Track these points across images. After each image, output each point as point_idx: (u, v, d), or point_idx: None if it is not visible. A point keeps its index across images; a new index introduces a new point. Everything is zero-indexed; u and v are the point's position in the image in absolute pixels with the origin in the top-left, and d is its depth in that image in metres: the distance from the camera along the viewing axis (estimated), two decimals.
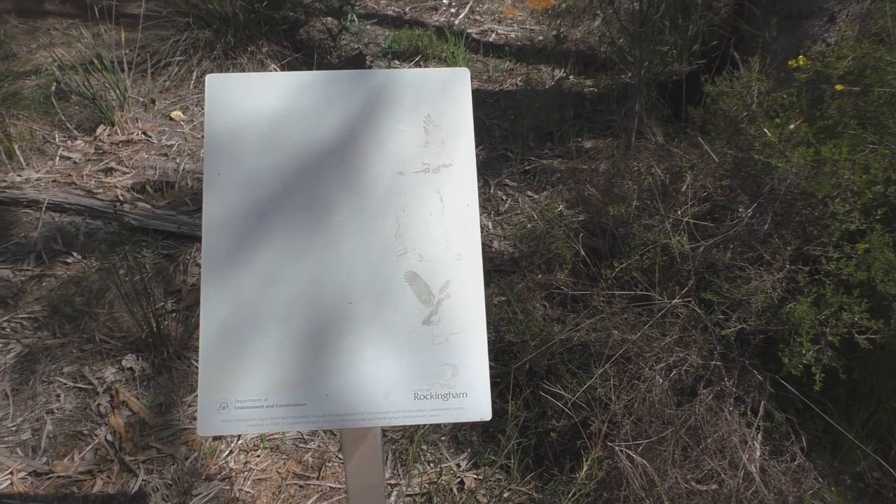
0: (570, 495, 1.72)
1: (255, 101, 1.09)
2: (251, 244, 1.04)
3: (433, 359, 1.03)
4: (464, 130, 1.11)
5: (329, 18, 4.14)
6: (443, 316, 1.04)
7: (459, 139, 1.10)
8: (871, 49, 2.04)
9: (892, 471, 1.72)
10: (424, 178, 1.08)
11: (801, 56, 2.21)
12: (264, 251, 1.04)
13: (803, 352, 1.62)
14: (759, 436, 1.76)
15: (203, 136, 1.16)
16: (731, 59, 2.72)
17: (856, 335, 1.61)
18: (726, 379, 1.79)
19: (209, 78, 1.09)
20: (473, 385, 1.03)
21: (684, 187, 1.96)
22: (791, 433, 1.78)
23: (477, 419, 1.02)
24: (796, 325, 1.63)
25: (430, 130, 1.10)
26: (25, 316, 2.35)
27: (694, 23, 2.93)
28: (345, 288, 1.04)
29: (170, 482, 1.95)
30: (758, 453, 1.74)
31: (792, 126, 1.88)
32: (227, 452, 2.05)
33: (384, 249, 1.05)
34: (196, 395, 2.17)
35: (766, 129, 1.87)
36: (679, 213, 1.94)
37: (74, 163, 3.15)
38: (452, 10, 4.69)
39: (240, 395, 1.00)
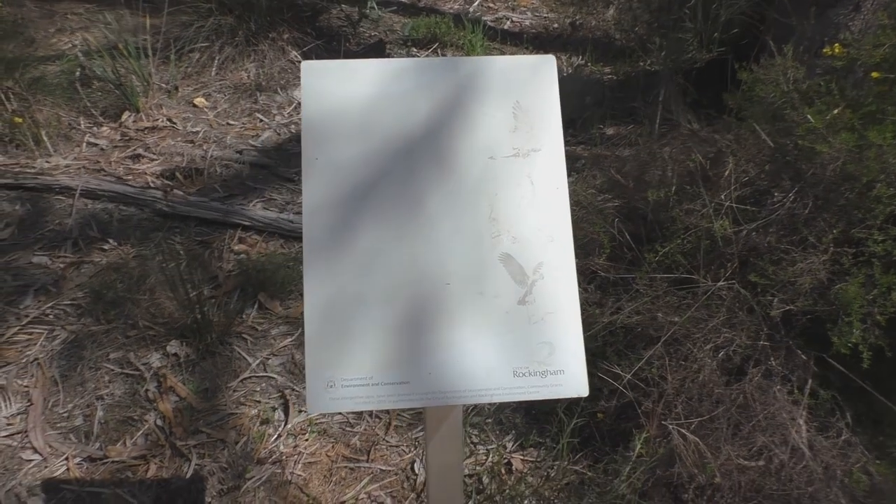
0: (625, 472, 1.77)
1: (348, 88, 1.11)
2: (350, 228, 1.07)
3: (530, 337, 1.06)
4: (551, 115, 1.14)
5: (347, 6, 4.15)
6: (537, 296, 1.08)
7: (547, 124, 1.13)
8: None
9: None
10: (515, 163, 1.11)
11: (836, 44, 2.24)
12: (363, 234, 1.07)
13: (853, 331, 1.67)
14: (805, 413, 1.81)
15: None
16: (761, 46, 2.75)
17: None
18: (773, 359, 1.83)
19: (304, 65, 1.12)
20: (570, 362, 1.06)
21: (727, 172, 2.00)
22: (836, 410, 1.83)
23: (574, 395, 1.06)
24: (846, 304, 1.67)
25: (519, 116, 1.13)
26: (69, 303, 2.37)
27: (722, 10, 2.96)
28: (442, 270, 1.07)
29: (224, 465, 1.99)
30: (804, 429, 1.79)
31: (836, 111, 1.91)
32: (275, 437, 2.08)
33: (478, 232, 1.08)
34: (241, 380, 2.22)
35: (808, 115, 1.90)
36: (722, 196, 1.98)
37: (101, 149, 3.16)
38: None
39: (346, 374, 1.03)
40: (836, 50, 2.20)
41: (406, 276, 1.06)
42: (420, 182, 1.09)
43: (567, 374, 1.06)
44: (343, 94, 1.11)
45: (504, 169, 1.11)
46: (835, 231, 1.81)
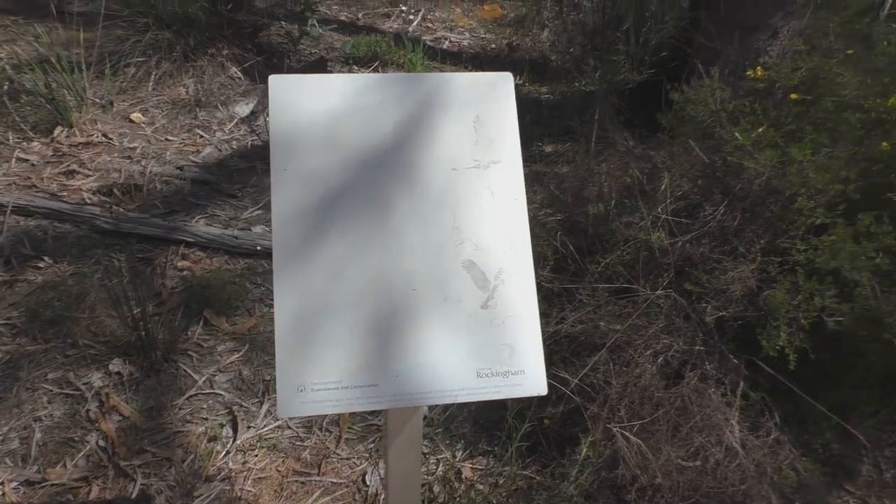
0: (573, 475, 1.83)
1: (316, 102, 1.15)
2: (319, 237, 1.10)
3: (492, 340, 1.11)
4: (509, 130, 1.20)
5: (288, 23, 4.16)
6: (499, 300, 1.13)
7: (506, 138, 1.19)
8: (822, 62, 2.25)
9: (861, 438, 1.91)
10: (476, 174, 1.17)
11: (758, 67, 2.41)
12: (332, 244, 1.10)
13: (780, 334, 1.79)
14: (737, 414, 1.92)
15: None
16: (690, 69, 2.92)
17: (825, 318, 1.79)
18: (708, 363, 1.94)
19: (272, 79, 1.15)
20: (529, 363, 1.12)
21: (663, 186, 2.11)
22: (766, 410, 1.95)
23: (535, 394, 1.11)
24: (773, 310, 1.79)
25: (479, 129, 1.19)
26: (2, 322, 2.29)
27: (652, 34, 3.12)
28: (408, 277, 1.11)
29: (172, 483, 1.95)
30: (737, 430, 1.90)
31: (760, 130, 2.06)
32: (223, 453, 2.06)
33: (443, 240, 1.13)
34: (187, 398, 2.19)
35: (736, 133, 2.04)
36: (658, 210, 2.09)
37: (32, 165, 3.07)
38: (406, 18, 4.77)
39: (316, 378, 1.06)
40: (759, 73, 2.37)
41: (373, 283, 1.10)
42: (387, 192, 1.13)
43: (527, 375, 1.11)
44: (311, 106, 1.15)
45: (466, 180, 1.16)
46: (762, 241, 1.94)
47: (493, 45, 4.57)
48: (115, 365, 2.22)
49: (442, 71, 4.20)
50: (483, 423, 2.20)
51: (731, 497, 1.84)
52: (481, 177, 1.17)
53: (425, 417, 2.20)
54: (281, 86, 1.14)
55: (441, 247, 1.13)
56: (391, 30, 4.61)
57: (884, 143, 2.01)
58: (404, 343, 1.09)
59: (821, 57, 2.32)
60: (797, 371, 1.81)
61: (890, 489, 2.05)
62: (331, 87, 1.16)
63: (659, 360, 1.93)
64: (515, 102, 1.21)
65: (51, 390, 2.15)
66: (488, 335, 1.11)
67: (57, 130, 3.24)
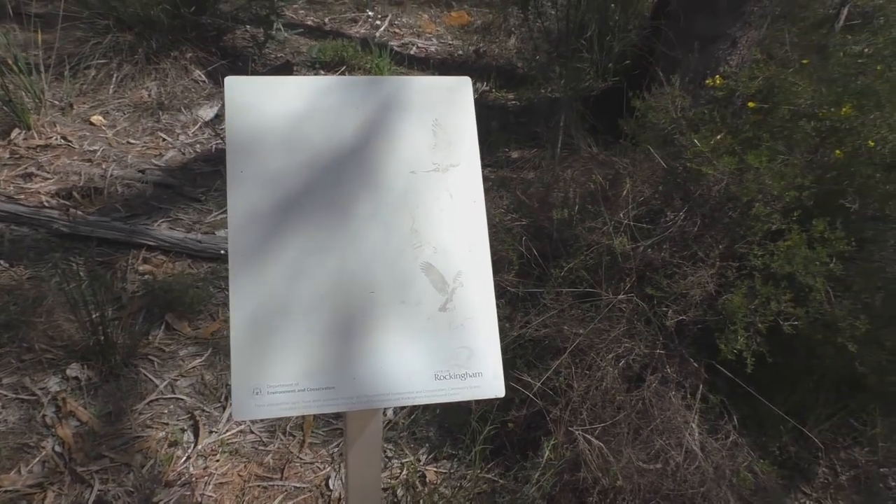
0: (535, 478, 1.84)
1: (273, 103, 1.14)
2: (277, 239, 1.09)
3: (450, 342, 1.12)
4: (468, 133, 1.21)
5: (253, 27, 4.13)
6: (457, 303, 1.13)
7: (464, 141, 1.20)
8: (778, 72, 2.30)
9: (816, 440, 1.95)
10: (435, 177, 1.17)
11: (717, 76, 2.46)
12: (290, 246, 1.09)
13: (738, 338, 1.82)
14: (697, 417, 1.95)
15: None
16: (651, 77, 2.96)
17: (781, 322, 1.83)
18: (668, 366, 1.96)
19: (228, 80, 1.14)
20: (487, 365, 1.12)
21: (624, 192, 2.14)
22: (724, 413, 1.98)
23: (492, 396, 1.11)
24: (731, 314, 1.83)
25: (438, 133, 1.19)
26: None
27: (615, 42, 3.16)
28: (367, 279, 1.11)
29: (130, 489, 1.92)
30: (697, 432, 1.92)
31: (718, 137, 2.09)
32: (184, 458, 2.03)
33: (402, 243, 1.13)
34: (147, 402, 2.16)
35: (695, 140, 2.07)
36: (620, 215, 2.11)
37: None
38: (374, 23, 4.77)
39: (272, 381, 1.05)
40: (718, 81, 2.41)
41: (331, 286, 1.10)
42: (345, 195, 1.13)
43: (485, 377, 1.12)
44: (268, 109, 1.14)
45: (425, 183, 1.16)
46: (721, 247, 1.97)
47: (461, 52, 4.59)
48: (73, 370, 2.18)
49: (408, 76, 4.20)
50: (448, 426, 2.20)
51: (691, 499, 1.86)
52: (440, 180, 1.17)
53: (390, 421, 2.20)
54: (237, 87, 1.14)
55: (400, 249, 1.13)
56: (358, 35, 4.61)
57: (837, 151, 2.06)
58: (362, 345, 1.09)
59: (777, 66, 2.37)
60: (755, 374, 1.85)
61: (845, 491, 2.09)
62: (289, 88, 1.15)
63: (621, 364, 1.95)
64: (474, 107, 1.21)
65: (5, 395, 2.09)
66: (446, 337, 1.12)
67: (14, 133, 3.17)
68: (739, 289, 1.86)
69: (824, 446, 2.03)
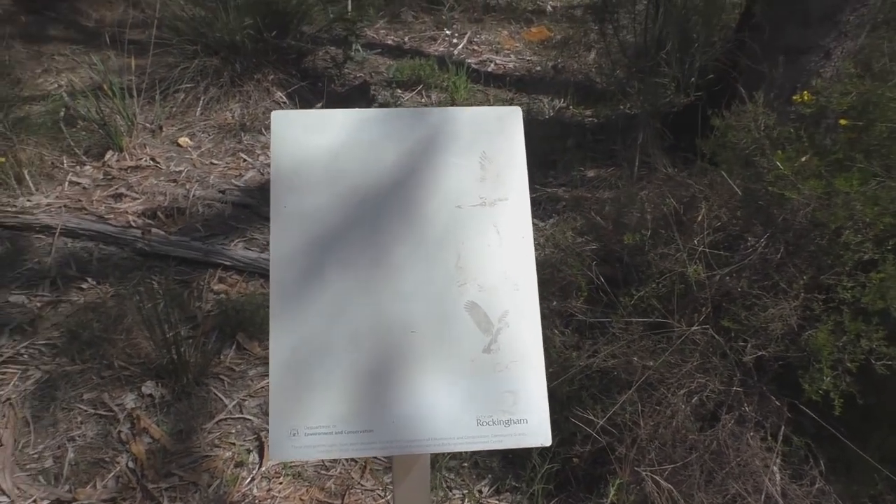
0: None
1: (317, 137, 1.13)
2: (317, 276, 1.08)
3: (494, 386, 1.07)
4: (517, 166, 1.16)
5: (333, 48, 4.22)
6: (502, 344, 1.08)
7: (514, 174, 1.15)
8: (874, 86, 2.13)
9: None
10: (481, 212, 1.13)
11: (805, 92, 2.30)
12: (330, 283, 1.08)
13: (823, 378, 1.68)
14: (779, 460, 1.81)
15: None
16: (733, 93, 2.81)
17: (873, 361, 1.67)
18: (746, 405, 1.84)
19: (274, 114, 1.14)
20: (533, 411, 1.07)
21: (699, 217, 2.03)
22: (809, 457, 1.83)
23: (537, 445, 1.06)
24: (816, 351, 1.69)
25: (486, 166, 1.15)
26: (44, 342, 2.35)
27: (697, 56, 3.03)
28: (408, 318, 1.08)
29: None
30: (778, 477, 1.79)
31: (804, 159, 1.95)
32: (249, 480, 2.06)
33: (445, 280, 1.09)
34: (216, 421, 2.20)
35: (778, 162, 1.94)
36: (695, 241, 2.00)
37: (84, 188, 3.17)
38: (452, 41, 4.78)
39: (309, 422, 1.03)
40: (806, 97, 2.26)
41: (371, 325, 1.07)
42: (387, 230, 1.10)
43: (530, 423, 1.06)
44: (311, 142, 1.13)
45: (471, 218, 1.12)
46: (805, 277, 1.83)
47: (539, 68, 4.52)
48: (148, 387, 2.25)
49: (486, 94, 4.18)
50: (512, 457, 2.14)
51: None
52: (487, 214, 1.13)
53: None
54: (283, 121, 1.13)
55: (443, 287, 1.09)
56: (437, 53, 4.62)
57: None
58: (402, 388, 1.05)
59: (874, 80, 2.20)
60: (843, 416, 1.70)
61: None
62: (333, 121, 1.14)
63: (693, 400, 1.84)
64: (524, 137, 1.16)
65: (85, 410, 2.19)
66: (491, 380, 1.07)
67: (108, 154, 3.34)
68: (826, 324, 1.72)
69: None
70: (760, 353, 1.82)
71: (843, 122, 2.14)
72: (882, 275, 1.69)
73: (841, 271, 1.79)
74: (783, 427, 1.83)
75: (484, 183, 1.14)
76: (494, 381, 1.07)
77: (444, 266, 1.10)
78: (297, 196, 1.10)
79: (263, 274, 2.73)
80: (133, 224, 2.95)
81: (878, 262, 1.76)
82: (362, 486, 2.06)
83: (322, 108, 3.75)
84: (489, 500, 2.02)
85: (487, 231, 1.12)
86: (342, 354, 1.05)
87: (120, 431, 2.14)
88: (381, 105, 3.85)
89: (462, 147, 1.15)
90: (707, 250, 1.99)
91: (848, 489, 1.86)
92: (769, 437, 1.82)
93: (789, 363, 1.82)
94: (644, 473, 1.75)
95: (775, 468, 1.80)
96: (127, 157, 3.36)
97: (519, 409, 1.06)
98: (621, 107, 3.74)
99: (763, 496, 1.74)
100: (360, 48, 3.94)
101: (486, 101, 4.12)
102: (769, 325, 1.80)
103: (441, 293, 1.09)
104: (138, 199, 3.13)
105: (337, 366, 1.05)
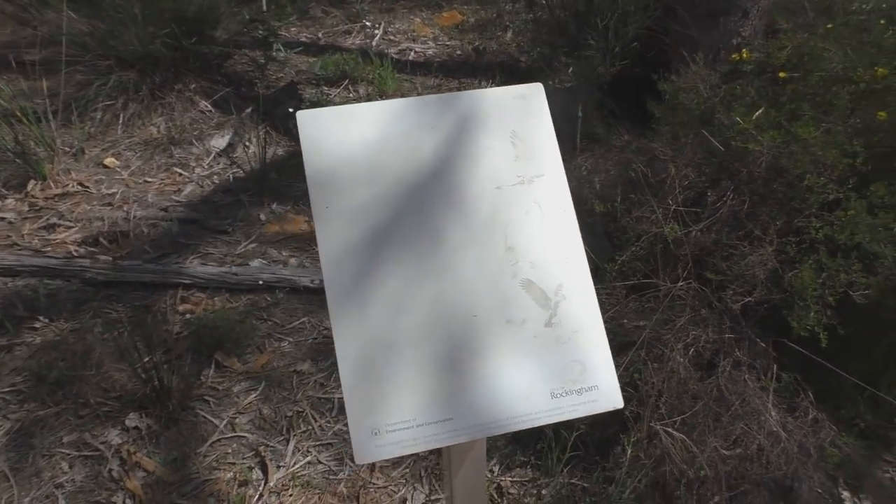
0: (621, 478, 1.81)
1: (349, 133, 1.11)
2: (371, 273, 1.06)
3: (561, 358, 1.08)
4: (548, 141, 1.17)
5: (252, 51, 4.09)
6: (562, 317, 1.10)
7: (545, 149, 1.17)
8: (807, 39, 2.27)
9: (893, 402, 1.92)
10: (521, 190, 1.14)
11: (743, 50, 2.43)
12: (385, 278, 1.06)
13: (809, 314, 1.79)
14: (772, 397, 1.92)
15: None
16: (667, 58, 2.93)
17: (851, 293, 1.80)
18: (738, 349, 1.93)
19: (300, 114, 1.11)
20: (601, 377, 1.09)
21: (669, 177, 2.11)
22: (799, 391, 1.95)
23: (611, 408, 1.08)
24: (802, 290, 1.80)
25: (518, 144, 1.16)
26: (8, 389, 2.19)
27: (630, 26, 3.13)
28: (468, 303, 1.07)
29: None
30: (774, 413, 1.89)
31: (759, 112, 2.06)
32: (257, 497, 2.00)
33: (498, 261, 1.10)
34: (210, 444, 2.12)
35: (738, 118, 2.04)
36: (668, 201, 2.08)
37: (10, 223, 2.96)
38: (368, 32, 4.73)
39: (389, 419, 1.01)
40: (745, 55, 2.38)
41: (433, 314, 1.06)
42: (435, 219, 1.10)
43: (601, 389, 1.08)
44: (343, 139, 1.11)
45: (512, 197, 1.13)
46: (777, 223, 1.94)
47: (459, 52, 4.55)
48: (132, 420, 2.15)
49: (412, 83, 4.17)
50: (515, 433, 2.16)
51: (779, 481, 1.83)
52: (527, 192, 1.14)
53: None
54: (309, 121, 1.10)
55: (496, 269, 1.10)
56: (354, 46, 4.56)
57: (880, 113, 2.03)
58: (474, 371, 1.05)
59: (804, 33, 2.34)
60: (827, 348, 1.82)
61: None
62: (360, 116, 1.12)
63: (690, 352, 1.92)
64: (549, 112, 1.18)
65: (69, 454, 2.06)
66: (557, 353, 1.08)
67: (31, 184, 3.13)
68: (806, 263, 1.83)
69: None
70: (746, 299, 1.92)
71: (782, 74, 2.28)
72: (851, 212, 1.81)
73: (809, 213, 1.90)
74: (773, 366, 1.94)
75: (518, 161, 1.15)
76: (560, 354, 1.08)
77: (495, 247, 1.10)
78: (338, 194, 1.08)
79: (228, 288, 2.64)
80: (76, 254, 2.78)
81: (842, 202, 1.88)
82: (374, 484, 2.04)
83: (252, 112, 3.64)
84: (502, 479, 2.05)
85: (530, 208, 1.13)
86: (409, 347, 1.04)
87: (110, 470, 2.03)
88: (313, 104, 3.77)
89: (492, 128, 1.15)
90: (681, 208, 2.07)
91: (834, 414, 2.00)
92: (763, 377, 1.93)
93: (773, 305, 1.92)
94: (657, 427, 1.82)
95: (770, 405, 1.91)
96: (52, 184, 3.16)
97: (588, 377, 1.08)
98: (550, 82, 3.81)
99: (766, 432, 1.84)
100: (281, 48, 3.84)
101: (414, 90, 4.11)
102: (750, 272, 1.90)
103: (496, 275, 1.09)
104: (73, 227, 2.95)
105: (406, 359, 1.04)
